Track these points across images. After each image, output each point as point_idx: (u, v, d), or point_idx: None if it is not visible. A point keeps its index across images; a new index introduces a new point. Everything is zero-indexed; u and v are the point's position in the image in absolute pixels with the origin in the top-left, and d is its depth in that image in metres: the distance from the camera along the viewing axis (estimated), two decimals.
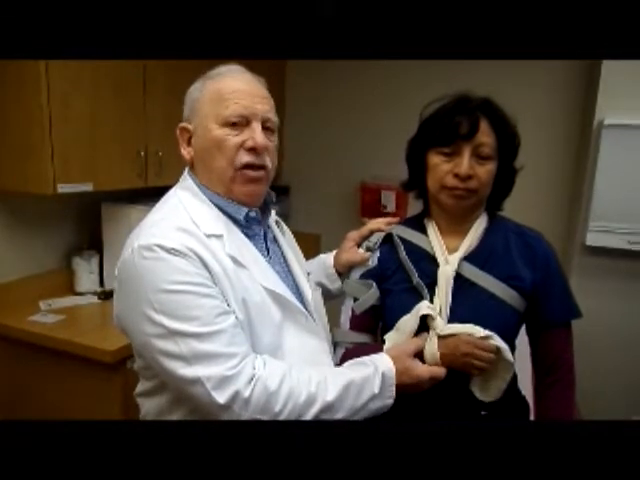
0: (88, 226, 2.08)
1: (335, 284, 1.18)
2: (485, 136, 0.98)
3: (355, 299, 1.09)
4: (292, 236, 1.18)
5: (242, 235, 0.94)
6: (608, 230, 2.03)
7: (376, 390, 0.89)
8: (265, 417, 0.81)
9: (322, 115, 2.78)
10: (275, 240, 1.06)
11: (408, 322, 0.99)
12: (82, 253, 1.98)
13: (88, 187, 1.69)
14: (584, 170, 2.14)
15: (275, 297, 0.91)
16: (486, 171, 0.99)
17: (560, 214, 2.41)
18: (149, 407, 0.96)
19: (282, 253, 1.05)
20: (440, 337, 0.97)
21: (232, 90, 0.90)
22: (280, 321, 0.92)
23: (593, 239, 2.06)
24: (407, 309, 1.00)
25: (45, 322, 1.69)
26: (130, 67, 1.78)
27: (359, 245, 1.16)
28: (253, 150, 0.90)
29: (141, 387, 0.98)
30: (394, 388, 0.91)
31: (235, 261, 0.88)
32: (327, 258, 1.21)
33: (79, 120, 1.63)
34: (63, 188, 1.60)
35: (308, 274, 1.10)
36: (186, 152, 0.96)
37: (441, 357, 0.97)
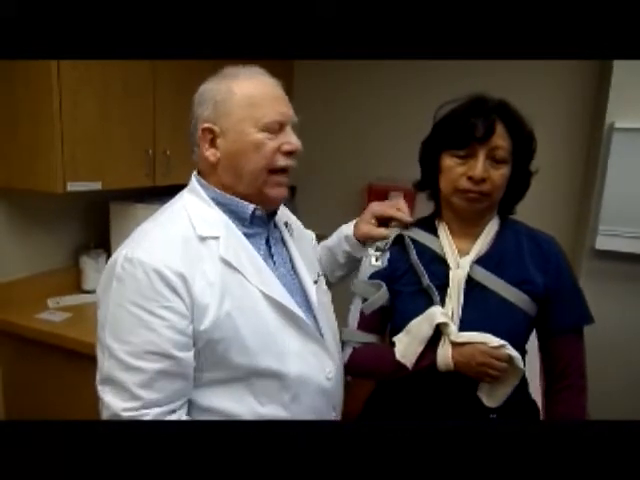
0: (96, 225, 2.09)
1: (359, 253, 1.16)
2: (500, 139, 0.97)
3: (364, 299, 1.09)
4: (307, 237, 1.17)
5: (242, 236, 0.93)
6: (618, 234, 2.02)
7: None
8: None
9: (330, 116, 2.78)
10: (283, 241, 1.05)
11: (421, 328, 0.98)
12: (90, 252, 1.98)
13: (97, 186, 1.69)
14: (594, 173, 2.13)
15: (272, 302, 0.91)
16: (500, 175, 0.98)
17: (570, 217, 2.39)
18: None
19: (289, 255, 1.04)
20: (454, 344, 0.97)
21: (266, 95, 0.92)
22: (278, 326, 0.91)
23: (603, 243, 2.04)
24: (417, 311, 1.00)
25: (53, 320, 1.69)
26: (139, 67, 1.78)
27: (379, 223, 1.15)
28: (289, 153, 0.93)
29: None
30: None
31: (228, 264, 0.88)
32: (346, 229, 1.21)
33: (88, 119, 1.63)
34: (72, 186, 1.60)
35: (318, 275, 1.09)
36: (210, 153, 0.93)
37: (455, 364, 0.96)
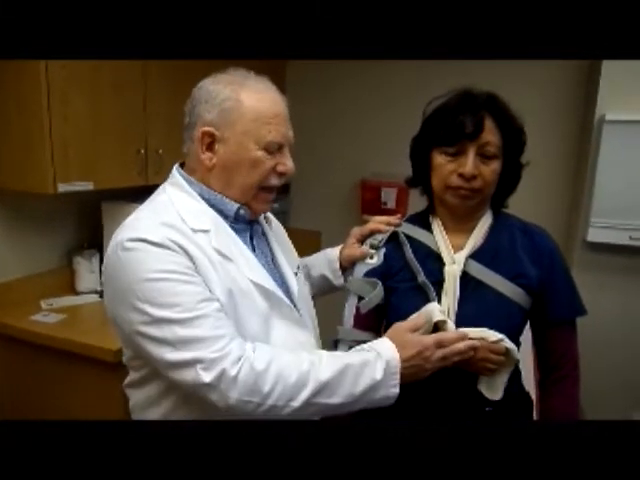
0: (89, 225, 2.07)
1: (339, 280, 1.19)
2: (490, 135, 0.97)
3: (360, 297, 1.09)
4: (283, 231, 1.19)
5: (229, 229, 0.95)
6: (609, 226, 2.03)
7: (378, 377, 0.86)
8: (255, 399, 0.81)
9: (323, 111, 2.78)
10: (264, 235, 1.07)
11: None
12: (83, 252, 1.97)
13: (88, 186, 1.68)
14: (585, 166, 2.14)
15: (261, 290, 0.93)
16: (491, 170, 0.98)
17: (561, 210, 2.41)
18: (138, 398, 0.98)
19: (269, 248, 1.06)
20: None
21: (274, 115, 0.93)
22: (267, 313, 0.93)
23: (594, 235, 2.06)
24: (413, 308, 1.00)
25: (46, 321, 1.68)
26: (130, 65, 1.76)
27: (362, 242, 1.16)
28: (282, 174, 0.96)
29: (129, 378, 1.00)
30: (398, 376, 0.87)
31: (221, 254, 0.90)
32: (332, 253, 1.22)
33: (79, 119, 1.62)
34: (63, 187, 1.59)
35: (298, 267, 1.11)
36: (206, 157, 0.93)
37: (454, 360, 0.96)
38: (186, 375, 0.81)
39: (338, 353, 0.91)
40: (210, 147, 0.93)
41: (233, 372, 0.80)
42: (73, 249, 2.01)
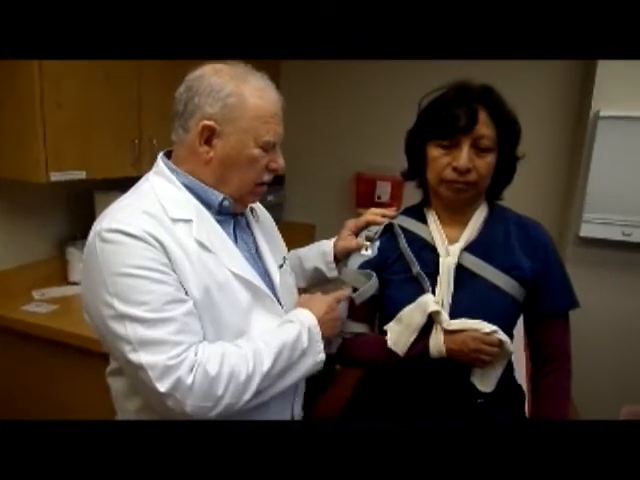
0: (82, 215, 2.06)
1: (332, 272, 1.19)
2: (484, 127, 0.96)
3: (354, 289, 1.09)
4: (271, 222, 1.19)
5: (213, 220, 0.95)
6: (602, 221, 2.05)
7: (305, 345, 0.93)
8: (209, 403, 0.82)
9: (318, 105, 2.77)
10: (248, 227, 1.07)
11: (413, 317, 0.99)
12: (75, 242, 1.95)
13: (81, 175, 1.67)
14: (579, 161, 2.15)
15: (243, 281, 0.93)
16: (486, 163, 0.98)
17: (555, 205, 2.42)
18: (118, 386, 0.98)
19: (254, 239, 1.06)
20: (446, 331, 0.97)
21: (273, 113, 0.94)
22: (248, 305, 0.93)
23: (587, 230, 2.07)
24: (407, 299, 1.00)
25: (39, 312, 1.67)
26: None
27: (357, 234, 1.16)
28: (274, 171, 0.99)
29: (110, 367, 1.00)
30: (321, 342, 0.97)
31: (202, 246, 0.90)
32: (325, 245, 1.21)
33: (72, 107, 1.60)
34: (56, 176, 1.58)
35: (284, 259, 1.11)
36: (204, 150, 0.92)
37: (448, 352, 0.97)
38: (142, 378, 0.81)
39: (272, 332, 0.94)
40: (208, 141, 0.92)
41: (189, 380, 0.81)
42: (65, 239, 2.00)
